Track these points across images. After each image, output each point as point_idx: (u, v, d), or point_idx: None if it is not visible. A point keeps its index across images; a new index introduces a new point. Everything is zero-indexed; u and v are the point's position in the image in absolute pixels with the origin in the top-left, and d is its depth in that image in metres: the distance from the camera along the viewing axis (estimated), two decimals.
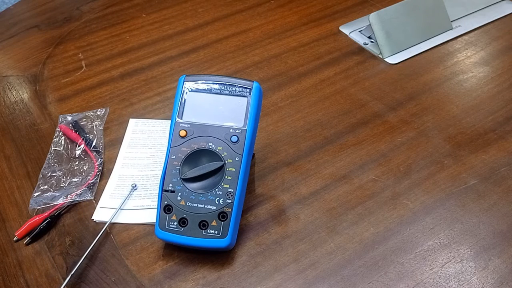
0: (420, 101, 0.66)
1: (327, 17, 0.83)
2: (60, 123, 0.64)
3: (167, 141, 0.50)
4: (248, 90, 0.50)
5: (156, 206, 0.52)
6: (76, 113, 0.66)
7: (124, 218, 0.53)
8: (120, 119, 0.65)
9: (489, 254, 0.49)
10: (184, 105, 0.50)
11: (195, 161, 0.49)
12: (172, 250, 0.50)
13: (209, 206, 0.48)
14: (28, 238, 0.52)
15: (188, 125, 0.50)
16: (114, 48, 0.78)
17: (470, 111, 0.65)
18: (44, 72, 0.75)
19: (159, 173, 0.52)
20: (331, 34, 0.79)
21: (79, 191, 0.55)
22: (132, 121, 0.63)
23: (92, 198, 0.55)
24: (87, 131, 0.63)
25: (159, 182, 0.49)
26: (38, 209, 0.54)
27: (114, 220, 0.53)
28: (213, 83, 0.51)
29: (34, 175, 0.59)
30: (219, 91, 0.50)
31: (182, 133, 0.50)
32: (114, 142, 0.62)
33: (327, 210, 0.53)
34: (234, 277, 0.48)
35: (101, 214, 0.53)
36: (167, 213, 0.48)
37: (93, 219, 0.53)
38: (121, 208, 0.53)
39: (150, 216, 0.53)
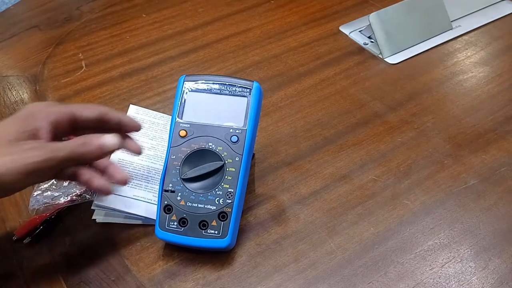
0: (420, 101, 0.66)
1: (327, 17, 0.83)
2: None
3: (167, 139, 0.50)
4: (248, 90, 0.50)
5: (156, 203, 0.52)
6: None
7: (123, 205, 0.52)
8: None
9: (489, 254, 0.49)
10: (184, 105, 0.50)
11: (195, 161, 0.49)
12: (172, 250, 0.50)
13: (209, 206, 0.48)
14: (28, 238, 0.51)
15: (188, 125, 0.50)
16: (114, 48, 0.79)
17: (470, 111, 0.65)
18: (44, 72, 0.75)
19: (161, 167, 0.52)
20: (331, 34, 0.79)
21: (79, 191, 0.55)
22: (132, 108, 0.62)
23: (93, 198, 0.55)
24: None
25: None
26: (38, 209, 0.54)
27: (113, 207, 0.53)
28: (213, 83, 0.51)
29: None
30: (219, 91, 0.50)
31: (182, 133, 0.50)
32: None
33: (327, 210, 0.53)
34: (234, 277, 0.48)
35: (100, 197, 0.52)
36: (167, 213, 0.48)
37: (93, 219, 0.53)
38: (121, 195, 0.53)
39: (150, 211, 0.53)
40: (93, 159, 0.45)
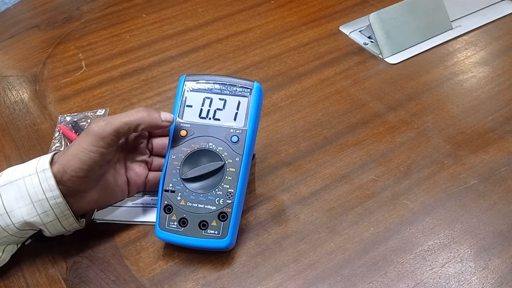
0: (420, 101, 0.66)
1: (327, 17, 0.83)
2: (60, 123, 0.64)
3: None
4: (248, 90, 0.50)
5: (155, 205, 0.52)
6: (76, 113, 0.66)
7: (123, 216, 0.53)
8: None
9: (489, 254, 0.49)
10: (184, 105, 0.50)
11: (195, 161, 0.49)
12: (172, 250, 0.50)
13: (209, 206, 0.48)
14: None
15: (189, 125, 0.50)
16: (114, 48, 0.79)
17: (470, 111, 0.65)
18: (44, 72, 0.75)
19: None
20: (331, 34, 0.79)
21: None
22: None
23: None
24: None
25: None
26: None
27: (113, 219, 0.53)
28: (214, 83, 0.51)
29: None
30: (219, 91, 0.50)
31: (183, 133, 0.50)
32: None
33: (327, 210, 0.53)
34: (234, 277, 0.48)
35: (99, 211, 0.53)
36: (167, 213, 0.48)
37: (93, 219, 0.53)
38: (119, 206, 0.53)
39: (150, 215, 0.53)
40: (148, 128, 0.48)
